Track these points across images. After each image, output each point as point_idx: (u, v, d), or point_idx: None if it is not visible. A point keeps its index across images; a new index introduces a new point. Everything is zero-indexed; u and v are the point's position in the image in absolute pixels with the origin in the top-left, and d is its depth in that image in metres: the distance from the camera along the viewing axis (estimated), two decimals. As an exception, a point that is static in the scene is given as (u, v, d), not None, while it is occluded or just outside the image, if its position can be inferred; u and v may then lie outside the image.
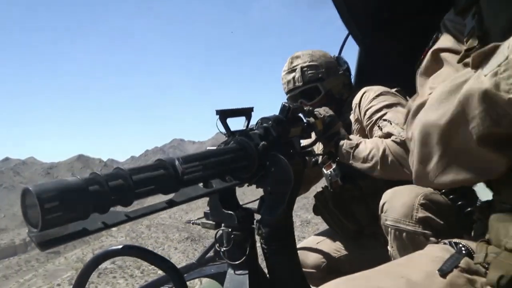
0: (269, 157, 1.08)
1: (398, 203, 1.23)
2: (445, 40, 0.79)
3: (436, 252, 0.78)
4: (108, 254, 1.03)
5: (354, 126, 1.61)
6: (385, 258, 1.59)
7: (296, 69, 1.71)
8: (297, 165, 1.12)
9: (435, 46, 0.81)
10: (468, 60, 0.61)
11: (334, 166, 1.60)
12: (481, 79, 0.55)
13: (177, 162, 0.83)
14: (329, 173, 1.61)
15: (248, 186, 1.16)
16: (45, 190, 0.59)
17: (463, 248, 0.76)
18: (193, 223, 1.26)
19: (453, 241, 0.80)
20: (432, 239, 1.18)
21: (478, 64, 0.58)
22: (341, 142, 1.44)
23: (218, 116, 1.09)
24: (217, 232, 1.21)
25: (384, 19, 1.86)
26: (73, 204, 0.62)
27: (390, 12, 1.83)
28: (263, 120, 1.16)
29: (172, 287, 1.16)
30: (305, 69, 1.70)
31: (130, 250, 1.01)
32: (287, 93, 1.77)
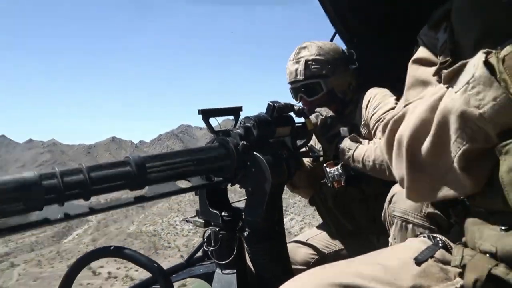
0: (250, 157, 1.08)
1: None
2: (422, 52, 0.82)
3: (415, 244, 0.82)
4: (95, 255, 1.02)
5: (362, 131, 1.57)
6: None
7: (300, 60, 1.63)
8: (279, 166, 1.10)
9: (413, 57, 0.84)
10: (442, 73, 0.64)
11: (338, 165, 1.55)
12: (452, 97, 0.59)
13: (142, 161, 0.86)
14: (332, 172, 1.57)
15: (231, 186, 1.16)
16: (1, 183, 0.66)
17: (440, 241, 0.80)
18: (187, 221, 1.26)
19: (432, 235, 0.84)
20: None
21: (449, 81, 0.62)
22: (341, 146, 1.42)
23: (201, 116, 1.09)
24: (205, 232, 1.21)
25: (371, 17, 1.85)
26: (27, 196, 0.68)
27: (377, 9, 1.83)
28: (246, 119, 1.15)
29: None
30: (310, 62, 1.62)
31: (117, 251, 1.00)
32: (288, 83, 1.71)
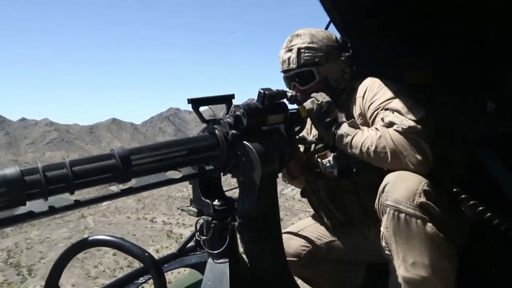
0: (240, 146, 1.06)
1: (401, 186, 1.24)
2: None
3: None
4: (85, 244, 1.01)
5: (358, 121, 1.53)
6: (364, 245, 1.61)
7: (293, 49, 1.61)
8: (271, 155, 1.09)
9: None
10: None
11: (330, 157, 1.54)
12: None
13: (127, 153, 0.86)
14: (324, 163, 1.57)
15: (223, 175, 1.15)
16: None
17: None
18: (182, 210, 1.26)
19: None
20: (429, 224, 1.21)
21: None
22: (339, 131, 1.40)
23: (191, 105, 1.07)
24: (197, 221, 1.20)
25: (367, 7, 1.84)
26: (9, 192, 0.69)
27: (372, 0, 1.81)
28: (236, 107, 1.13)
29: (150, 278, 1.15)
30: (302, 50, 1.60)
31: (107, 240, 0.99)
32: (281, 72, 1.69)
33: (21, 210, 0.74)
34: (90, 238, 1.01)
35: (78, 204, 0.83)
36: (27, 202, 0.74)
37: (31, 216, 0.76)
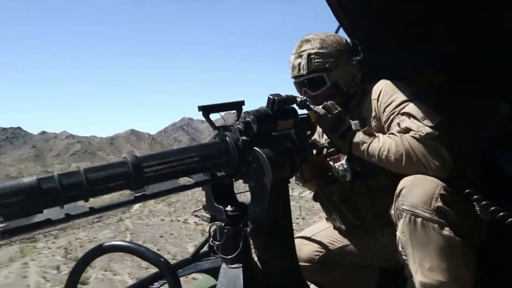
0: (250, 152, 1.07)
1: (418, 190, 1.24)
2: None
3: None
4: (102, 250, 1.02)
5: (373, 123, 1.53)
6: (377, 249, 1.60)
7: (303, 54, 1.61)
8: (281, 160, 1.10)
9: None
10: None
11: (343, 160, 1.53)
12: None
13: (138, 161, 0.88)
14: (337, 167, 1.56)
15: (235, 181, 1.16)
16: (2, 188, 0.70)
17: None
18: (195, 215, 1.27)
19: None
20: (446, 228, 1.20)
21: None
22: (355, 139, 1.40)
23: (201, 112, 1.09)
24: (211, 227, 1.22)
25: (376, 10, 1.83)
26: (27, 200, 0.71)
27: (381, 3, 1.80)
28: (246, 114, 1.14)
29: (165, 283, 1.17)
30: (312, 56, 1.58)
31: (124, 246, 1.00)
32: (292, 78, 1.68)
33: (38, 217, 0.76)
34: (106, 244, 1.03)
35: (93, 211, 0.85)
36: (44, 210, 0.76)
37: (48, 223, 0.78)
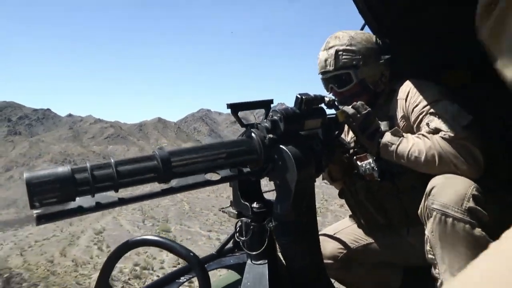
0: (277, 150, 1.08)
1: (450, 190, 1.22)
2: None
3: None
4: (132, 245, 1.06)
5: (401, 123, 1.52)
6: (402, 247, 1.58)
7: (331, 51, 1.61)
8: (307, 159, 1.10)
9: None
10: None
11: (370, 159, 1.53)
12: None
13: (167, 156, 0.91)
14: (364, 165, 1.56)
15: (260, 178, 1.17)
16: (36, 177, 0.75)
17: None
18: (222, 211, 1.29)
19: None
20: (478, 229, 1.18)
21: None
22: (383, 140, 1.39)
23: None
24: (237, 223, 1.23)
25: (402, 7, 1.81)
26: (62, 188, 0.76)
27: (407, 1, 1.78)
28: (273, 112, 1.15)
29: (193, 277, 1.19)
30: (340, 53, 1.58)
31: (154, 241, 1.04)
32: (319, 74, 1.68)
33: (71, 205, 0.81)
34: (136, 239, 1.06)
35: (122, 202, 0.88)
36: (77, 198, 0.80)
37: (80, 210, 0.82)
